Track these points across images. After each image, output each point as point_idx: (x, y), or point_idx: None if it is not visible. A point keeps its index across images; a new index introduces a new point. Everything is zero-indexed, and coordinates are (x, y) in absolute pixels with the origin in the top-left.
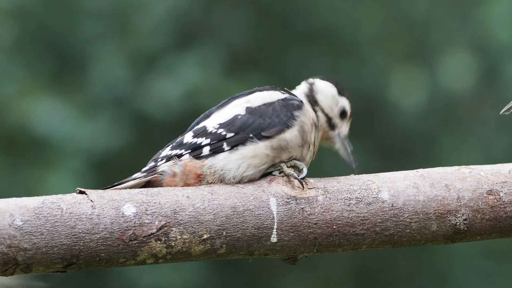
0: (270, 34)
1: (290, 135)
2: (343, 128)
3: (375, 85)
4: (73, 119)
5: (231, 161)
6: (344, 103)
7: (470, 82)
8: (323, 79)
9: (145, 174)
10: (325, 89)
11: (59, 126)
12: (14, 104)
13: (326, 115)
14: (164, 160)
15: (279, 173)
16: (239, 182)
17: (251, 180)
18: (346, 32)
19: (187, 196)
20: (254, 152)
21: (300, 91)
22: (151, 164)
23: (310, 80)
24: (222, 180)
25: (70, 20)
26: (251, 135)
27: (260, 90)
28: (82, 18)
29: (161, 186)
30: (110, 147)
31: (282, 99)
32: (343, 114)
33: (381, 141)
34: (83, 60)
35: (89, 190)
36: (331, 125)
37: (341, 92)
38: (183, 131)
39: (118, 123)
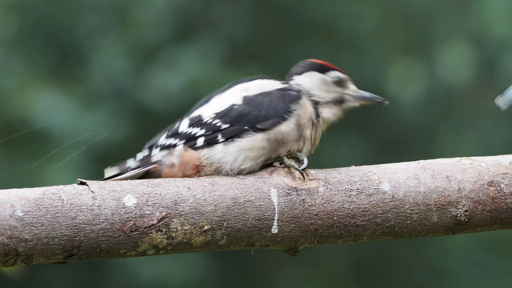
0: (270, 27)
1: (286, 127)
2: (350, 88)
3: (374, 78)
4: (74, 112)
5: (228, 153)
6: (332, 76)
7: (469, 75)
8: (300, 72)
9: (139, 163)
10: (312, 81)
11: (60, 119)
12: (14, 96)
13: (331, 100)
14: (158, 149)
15: (280, 164)
16: (238, 174)
17: (250, 173)
18: (345, 25)
19: (188, 187)
20: (251, 145)
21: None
22: (146, 152)
23: (293, 80)
24: (219, 172)
25: (70, 12)
26: (246, 127)
27: (260, 78)
28: (82, 10)
29: (161, 177)
30: (111, 139)
31: (280, 89)
32: (339, 83)
33: (380, 133)
34: (83, 53)
35: (90, 181)
36: (340, 102)
37: (323, 70)
38: None
39: (119, 115)
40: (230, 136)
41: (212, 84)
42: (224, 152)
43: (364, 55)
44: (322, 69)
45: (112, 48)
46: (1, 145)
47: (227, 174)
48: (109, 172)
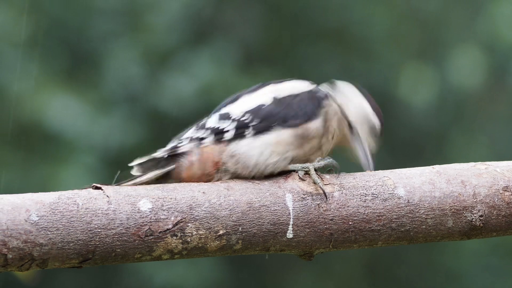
0: (282, 31)
1: (314, 125)
2: (369, 140)
3: (385, 83)
4: (87, 116)
5: (254, 147)
6: (376, 123)
7: (480, 79)
8: (351, 86)
9: (167, 153)
10: (356, 102)
11: (73, 123)
12: (28, 100)
13: (349, 122)
14: (188, 140)
15: (304, 174)
16: (263, 170)
17: (276, 169)
18: (357, 30)
19: (203, 192)
20: (278, 139)
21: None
22: (173, 143)
23: (336, 83)
24: (244, 167)
25: (84, 16)
26: (274, 124)
27: (288, 80)
28: (96, 14)
29: (180, 176)
30: (124, 143)
31: (308, 91)
32: (372, 130)
33: (391, 138)
34: (97, 57)
35: (105, 186)
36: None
37: (375, 111)
38: None
39: (132, 120)
40: (258, 131)
41: (226, 88)
42: (250, 146)
43: (375, 59)
44: (374, 110)
45: (125, 52)
46: (15, 149)
47: (251, 169)
48: (137, 161)
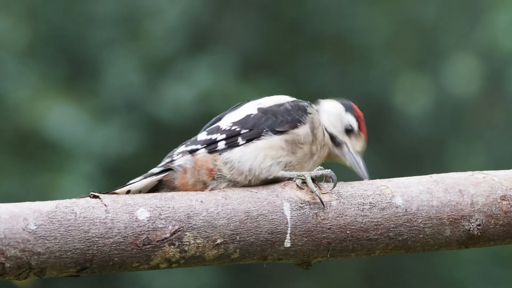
0: (281, 40)
1: (303, 130)
2: (353, 144)
3: (383, 91)
4: (86, 124)
5: (247, 152)
6: (350, 119)
7: (477, 87)
8: (332, 99)
9: (162, 168)
10: (329, 108)
11: (72, 131)
12: (27, 108)
13: (330, 134)
14: (180, 155)
15: (301, 183)
16: (258, 175)
17: (271, 174)
18: (355, 38)
19: (201, 201)
20: (270, 144)
21: None
22: (167, 160)
23: (320, 100)
24: (239, 173)
25: (82, 24)
26: (265, 129)
27: (268, 96)
28: (95, 22)
29: (173, 185)
30: (123, 151)
31: (292, 101)
32: (348, 130)
33: (389, 146)
34: (95, 65)
35: (103, 195)
36: (336, 144)
37: (347, 109)
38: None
39: (131, 127)
40: (250, 139)
41: (224, 96)
42: (244, 152)
43: (373, 68)
44: (347, 108)
45: (124, 60)
46: (13, 157)
47: (246, 175)
48: (134, 181)
